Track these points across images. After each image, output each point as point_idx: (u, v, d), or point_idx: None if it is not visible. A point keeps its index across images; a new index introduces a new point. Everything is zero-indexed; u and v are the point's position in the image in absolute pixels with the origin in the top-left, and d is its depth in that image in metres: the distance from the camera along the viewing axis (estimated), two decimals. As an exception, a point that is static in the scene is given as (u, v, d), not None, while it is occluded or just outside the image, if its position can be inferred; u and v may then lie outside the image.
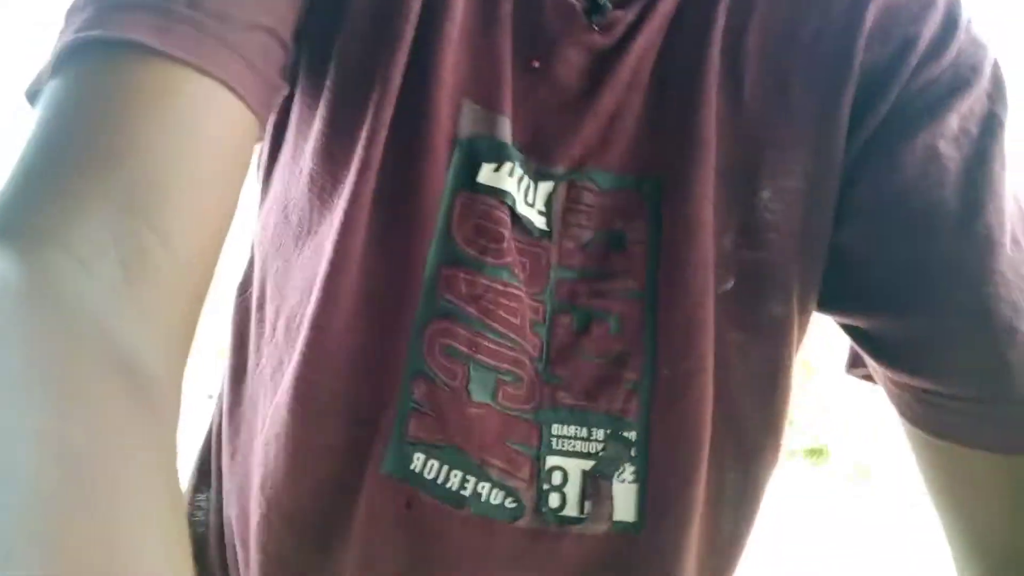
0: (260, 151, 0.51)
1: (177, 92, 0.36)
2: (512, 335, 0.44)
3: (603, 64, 0.44)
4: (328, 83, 0.44)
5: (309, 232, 0.46)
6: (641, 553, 0.45)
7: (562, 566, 0.45)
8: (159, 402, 0.31)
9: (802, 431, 3.53)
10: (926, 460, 0.46)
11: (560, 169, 0.45)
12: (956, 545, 0.47)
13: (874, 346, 0.47)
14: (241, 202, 0.41)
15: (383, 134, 0.43)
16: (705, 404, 0.44)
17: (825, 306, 0.48)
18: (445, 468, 0.44)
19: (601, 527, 0.45)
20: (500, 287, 0.44)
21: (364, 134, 0.43)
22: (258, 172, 0.52)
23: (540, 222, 0.45)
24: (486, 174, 0.43)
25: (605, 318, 0.45)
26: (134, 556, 0.23)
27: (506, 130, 0.44)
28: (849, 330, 0.48)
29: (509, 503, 0.44)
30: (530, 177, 0.45)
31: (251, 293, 0.52)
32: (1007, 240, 0.42)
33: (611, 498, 0.45)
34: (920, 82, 0.43)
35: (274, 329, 0.48)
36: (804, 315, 0.47)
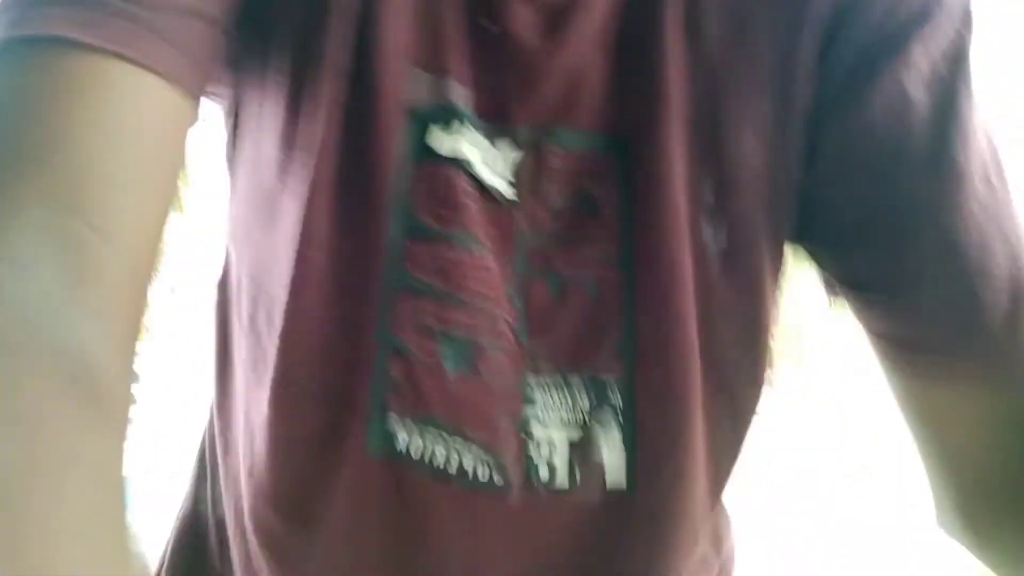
0: (224, 145, 0.51)
1: (105, 83, 0.35)
2: (485, 305, 0.43)
3: (560, 20, 0.43)
4: (277, 66, 0.43)
5: (276, 219, 0.45)
6: (635, 517, 0.45)
7: (555, 536, 0.45)
8: (108, 404, 0.31)
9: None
10: (904, 391, 0.46)
11: (525, 132, 0.44)
12: (931, 467, 0.47)
13: (850, 286, 0.46)
14: (215, 197, 0.41)
15: (335, 112, 0.42)
16: (690, 362, 0.44)
17: (799, 247, 0.48)
18: (429, 444, 0.43)
19: (593, 495, 0.45)
20: (466, 256, 0.43)
21: (317, 114, 0.42)
22: (225, 166, 0.51)
23: (506, 188, 0.44)
24: (441, 142, 0.42)
25: (582, 284, 0.44)
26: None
27: (459, 95, 0.43)
28: (828, 270, 0.48)
29: (496, 476, 0.44)
30: (493, 142, 0.44)
31: (229, 286, 0.52)
32: (976, 178, 0.42)
33: (601, 464, 0.44)
34: (880, 15, 0.43)
35: (252, 319, 0.47)
36: (777, 261, 0.47)
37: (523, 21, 0.43)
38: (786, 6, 0.43)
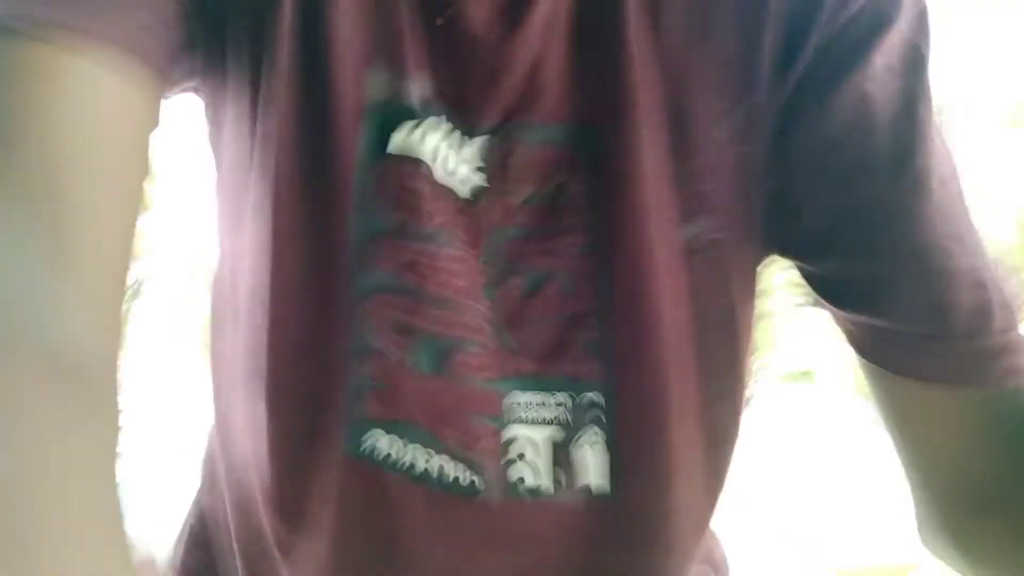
0: (206, 138, 0.50)
1: (67, 73, 0.34)
2: (457, 300, 0.43)
3: (511, 14, 0.43)
4: (235, 64, 0.43)
5: (249, 218, 0.44)
6: (618, 518, 0.45)
7: (537, 540, 0.44)
8: (96, 394, 0.31)
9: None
10: (881, 392, 0.47)
11: (487, 125, 0.44)
12: (909, 469, 0.48)
13: (822, 287, 0.47)
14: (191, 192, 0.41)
15: (293, 112, 0.41)
16: (668, 356, 0.44)
17: (770, 250, 0.48)
18: (405, 445, 0.43)
19: (574, 496, 0.44)
20: (433, 251, 0.42)
21: (274, 114, 0.42)
22: (208, 158, 0.50)
23: (472, 182, 0.43)
24: (400, 139, 0.42)
25: (556, 277, 0.44)
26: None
27: (416, 92, 0.42)
28: (802, 273, 0.49)
29: (471, 478, 0.43)
30: (456, 137, 0.43)
31: (220, 284, 0.51)
32: (935, 182, 0.43)
33: (581, 464, 0.44)
34: (840, 21, 0.43)
35: (235, 318, 0.47)
36: (753, 256, 0.47)
37: (477, 15, 0.43)
38: (746, 7, 0.44)
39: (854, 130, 0.44)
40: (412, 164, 0.43)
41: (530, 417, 0.44)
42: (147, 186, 0.42)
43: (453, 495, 0.44)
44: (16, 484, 0.26)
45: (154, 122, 0.40)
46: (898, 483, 0.50)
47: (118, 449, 0.32)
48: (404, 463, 0.43)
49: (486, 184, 0.44)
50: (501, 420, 0.44)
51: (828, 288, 0.47)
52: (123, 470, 0.33)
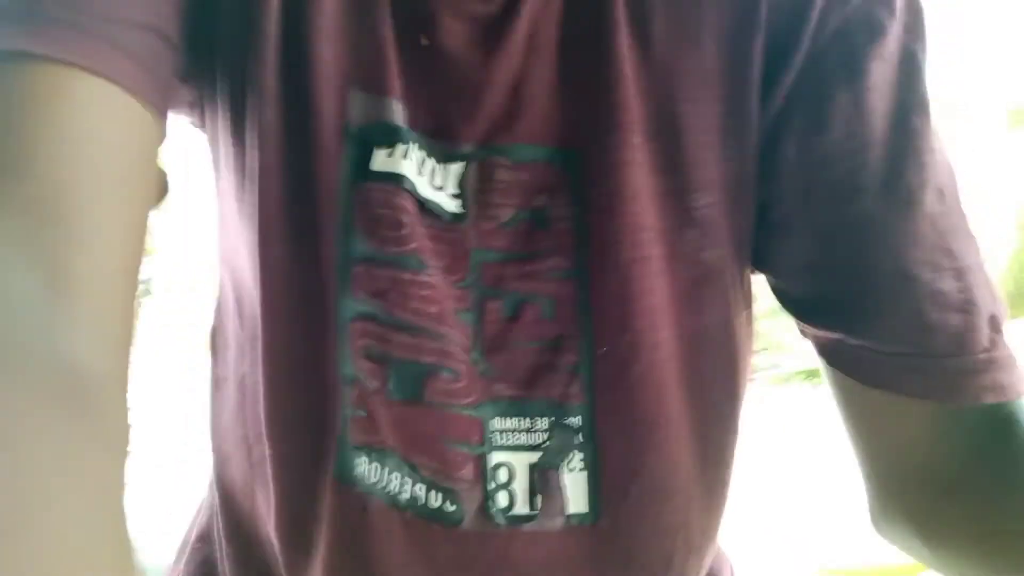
0: (208, 165, 0.51)
1: (69, 95, 0.35)
2: (430, 326, 0.42)
3: (492, 33, 0.42)
4: (220, 91, 0.43)
5: (241, 243, 0.45)
6: (601, 543, 0.44)
7: (516, 567, 0.44)
8: (100, 414, 0.31)
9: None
10: (844, 392, 0.46)
11: (468, 147, 0.43)
12: (867, 460, 0.47)
13: (795, 303, 0.46)
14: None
15: (276, 137, 0.42)
16: (653, 378, 0.43)
17: (755, 271, 0.47)
18: (385, 471, 0.43)
19: (555, 522, 0.43)
20: (408, 276, 0.42)
21: (258, 139, 0.42)
22: (212, 188, 0.51)
23: (453, 204, 0.43)
24: (380, 160, 0.42)
25: (536, 301, 0.43)
26: None
27: (397, 113, 0.42)
28: (775, 290, 0.47)
29: (449, 505, 0.43)
30: (436, 159, 0.43)
31: (220, 312, 0.52)
32: (927, 196, 0.41)
33: (561, 490, 0.43)
34: (831, 27, 0.42)
35: (238, 341, 0.48)
36: (743, 274, 0.46)
37: (456, 36, 0.42)
38: (736, 13, 0.42)
39: (847, 145, 0.42)
40: (393, 186, 0.42)
41: (510, 443, 0.43)
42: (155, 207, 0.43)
43: (431, 522, 0.43)
44: (15, 510, 0.25)
45: (155, 144, 0.40)
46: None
47: (125, 471, 0.32)
48: (386, 489, 0.43)
49: (464, 208, 0.43)
50: (480, 446, 0.43)
51: (803, 305, 0.45)
52: (129, 480, 0.33)
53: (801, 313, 0.46)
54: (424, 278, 0.42)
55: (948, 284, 0.41)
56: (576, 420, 0.43)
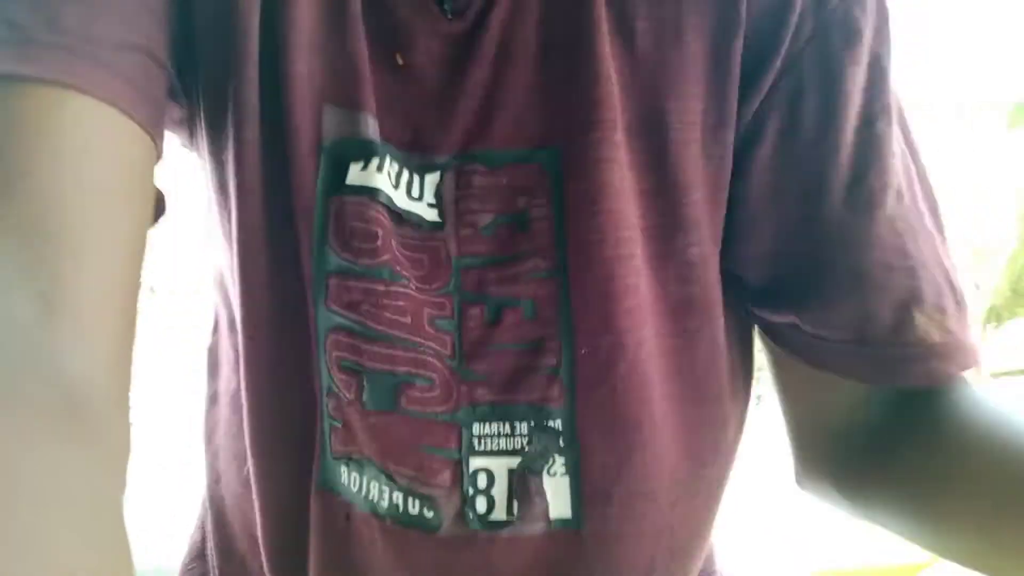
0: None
1: (57, 114, 0.36)
2: (405, 336, 0.43)
3: (462, 47, 0.43)
4: (203, 109, 0.44)
5: (225, 263, 0.46)
6: (585, 548, 0.44)
7: (496, 572, 0.44)
8: (97, 429, 0.32)
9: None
10: (782, 363, 0.48)
11: (443, 157, 0.44)
12: (797, 425, 0.50)
13: (754, 293, 0.47)
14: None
15: (253, 153, 0.42)
16: (637, 379, 0.43)
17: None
18: (365, 480, 0.44)
19: (536, 527, 0.43)
20: (381, 288, 0.43)
21: (235, 157, 0.43)
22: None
23: (431, 214, 0.44)
24: (354, 175, 0.42)
25: (517, 303, 0.43)
26: None
27: (371, 128, 0.43)
28: (730, 276, 0.48)
29: (427, 512, 0.43)
30: (412, 170, 0.44)
31: (216, 326, 0.53)
32: (887, 199, 0.43)
33: (543, 495, 0.43)
34: (809, 30, 0.43)
35: (230, 358, 0.49)
36: (720, 271, 0.46)
37: (429, 54, 0.43)
38: (717, 13, 0.43)
39: (817, 147, 0.43)
40: (367, 199, 0.42)
41: (490, 448, 0.43)
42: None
43: (410, 529, 0.44)
44: (10, 528, 0.25)
45: (151, 158, 0.41)
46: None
47: (123, 486, 0.32)
48: (367, 498, 0.44)
49: (444, 214, 0.44)
50: (459, 453, 0.43)
51: (758, 292, 0.47)
52: (130, 489, 0.34)
53: (755, 299, 0.47)
54: (398, 289, 0.43)
55: (897, 281, 0.43)
56: (557, 423, 0.43)
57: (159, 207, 0.43)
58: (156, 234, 0.45)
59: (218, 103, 0.43)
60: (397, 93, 0.44)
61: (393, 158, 0.43)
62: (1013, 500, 0.38)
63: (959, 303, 0.44)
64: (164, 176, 0.45)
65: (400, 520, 0.43)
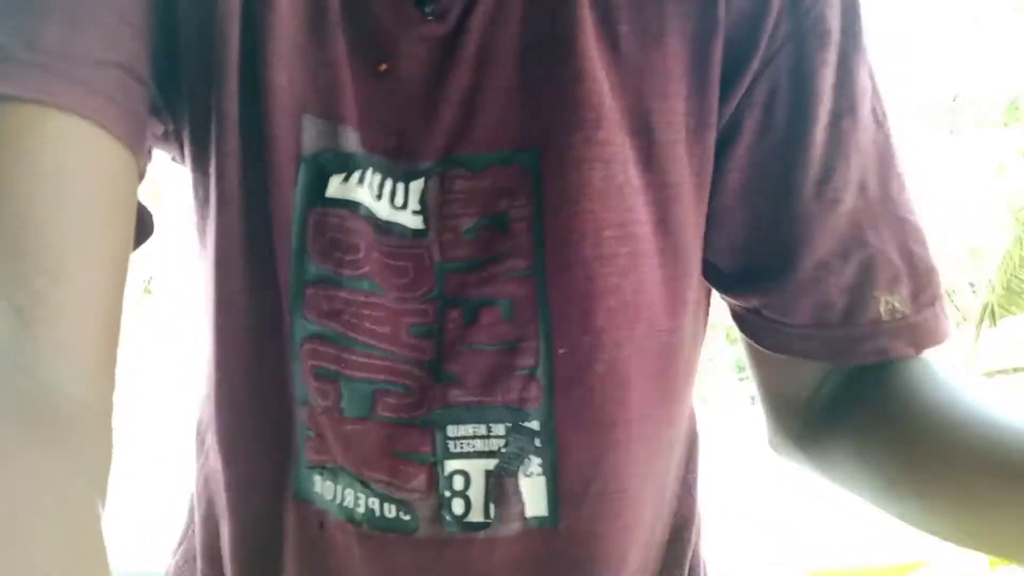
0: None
1: (35, 131, 0.36)
2: (382, 345, 0.44)
3: (443, 51, 0.43)
4: (184, 123, 0.44)
5: (202, 272, 0.46)
6: (561, 547, 0.44)
7: (476, 573, 0.44)
8: (78, 440, 0.32)
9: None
10: (753, 350, 0.50)
11: (427, 163, 0.44)
12: (768, 398, 0.52)
13: (723, 279, 0.49)
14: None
15: (233, 165, 0.43)
16: (615, 378, 0.43)
17: None
18: (340, 488, 0.44)
19: (512, 527, 0.44)
20: (361, 299, 0.43)
21: (215, 169, 0.43)
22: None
23: (415, 222, 0.44)
24: (335, 187, 0.43)
25: (494, 303, 0.43)
26: None
27: (351, 140, 0.43)
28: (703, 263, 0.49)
29: (403, 515, 0.44)
30: (397, 178, 0.44)
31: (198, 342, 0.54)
32: (848, 195, 0.44)
33: (519, 495, 0.44)
34: (784, 32, 0.43)
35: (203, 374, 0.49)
36: (695, 270, 0.48)
37: (412, 58, 0.43)
38: (697, 15, 0.44)
39: (789, 145, 0.44)
40: (347, 210, 0.43)
41: (465, 450, 0.44)
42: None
43: (387, 534, 0.44)
44: None
45: (132, 172, 0.41)
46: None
47: (101, 493, 0.32)
48: (341, 506, 0.44)
49: (427, 220, 0.44)
50: (434, 456, 0.44)
51: (726, 279, 0.49)
52: (117, 490, 0.34)
53: (723, 286, 0.49)
54: (377, 299, 0.43)
55: (852, 268, 0.45)
56: (534, 424, 0.44)
57: (147, 226, 0.44)
58: (153, 235, 0.45)
59: (201, 114, 0.43)
60: (380, 99, 0.44)
61: (375, 169, 0.44)
62: (941, 463, 0.40)
63: (919, 285, 0.45)
64: (162, 177, 0.45)
65: (376, 525, 0.44)
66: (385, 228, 0.44)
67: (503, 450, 0.44)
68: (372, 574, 0.44)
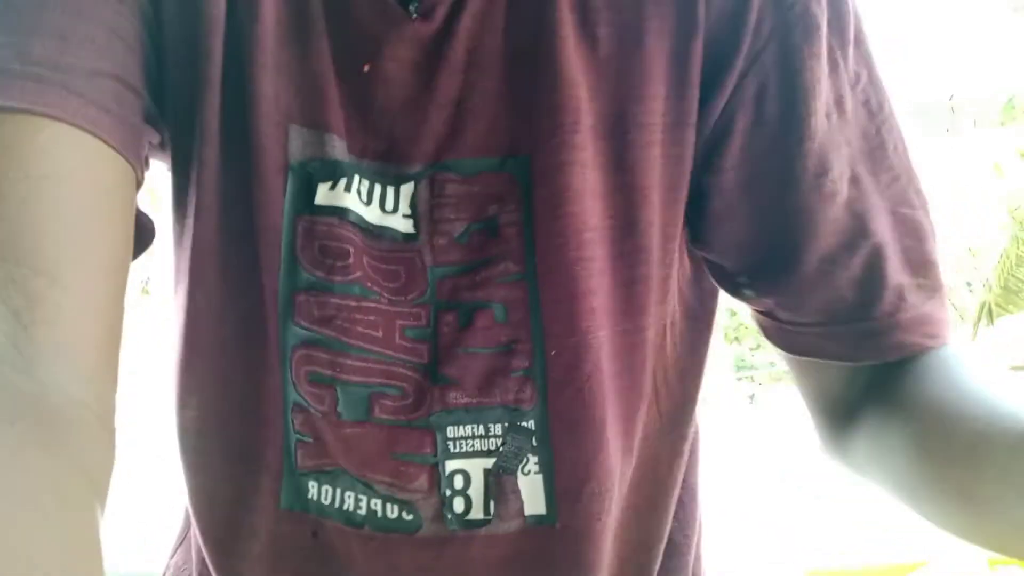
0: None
1: (29, 140, 0.36)
2: (376, 348, 0.44)
3: (431, 52, 0.43)
4: (172, 133, 0.45)
5: (177, 283, 0.46)
6: (559, 544, 0.45)
7: (476, 570, 0.45)
8: (77, 439, 0.32)
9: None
10: (788, 361, 0.51)
11: (417, 167, 0.44)
12: (807, 400, 0.52)
13: (732, 280, 0.49)
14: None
15: (212, 176, 0.43)
16: (598, 378, 0.44)
17: (692, 245, 0.49)
18: (338, 491, 0.44)
19: (512, 524, 0.45)
20: (353, 304, 0.44)
21: (195, 178, 0.43)
22: None
23: (405, 225, 0.45)
24: (323, 195, 0.43)
25: (488, 307, 0.44)
26: None
27: (338, 147, 0.44)
28: (710, 265, 0.50)
29: (406, 515, 0.44)
30: (387, 183, 0.44)
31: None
32: (844, 186, 0.44)
33: (518, 493, 0.44)
34: (768, 27, 0.43)
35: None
36: (680, 268, 0.48)
37: (398, 59, 0.43)
38: (676, 15, 0.44)
39: (784, 140, 0.44)
40: (336, 217, 0.43)
41: (465, 450, 0.44)
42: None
43: (389, 534, 0.44)
44: None
45: (127, 179, 0.41)
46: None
47: (101, 493, 0.32)
48: (342, 508, 0.44)
49: (418, 225, 0.45)
50: (435, 457, 0.44)
51: (736, 279, 0.49)
52: (116, 494, 0.34)
53: (733, 287, 0.49)
54: (369, 304, 0.44)
55: (859, 261, 0.45)
56: (530, 423, 0.44)
57: (148, 234, 0.44)
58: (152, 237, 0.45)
59: (183, 125, 0.44)
60: (369, 104, 0.44)
61: (364, 174, 0.44)
62: (954, 457, 0.39)
63: (924, 277, 0.45)
64: (160, 185, 0.45)
65: (378, 526, 0.44)
66: (376, 233, 0.44)
67: (501, 449, 0.44)
68: (374, 574, 0.45)
